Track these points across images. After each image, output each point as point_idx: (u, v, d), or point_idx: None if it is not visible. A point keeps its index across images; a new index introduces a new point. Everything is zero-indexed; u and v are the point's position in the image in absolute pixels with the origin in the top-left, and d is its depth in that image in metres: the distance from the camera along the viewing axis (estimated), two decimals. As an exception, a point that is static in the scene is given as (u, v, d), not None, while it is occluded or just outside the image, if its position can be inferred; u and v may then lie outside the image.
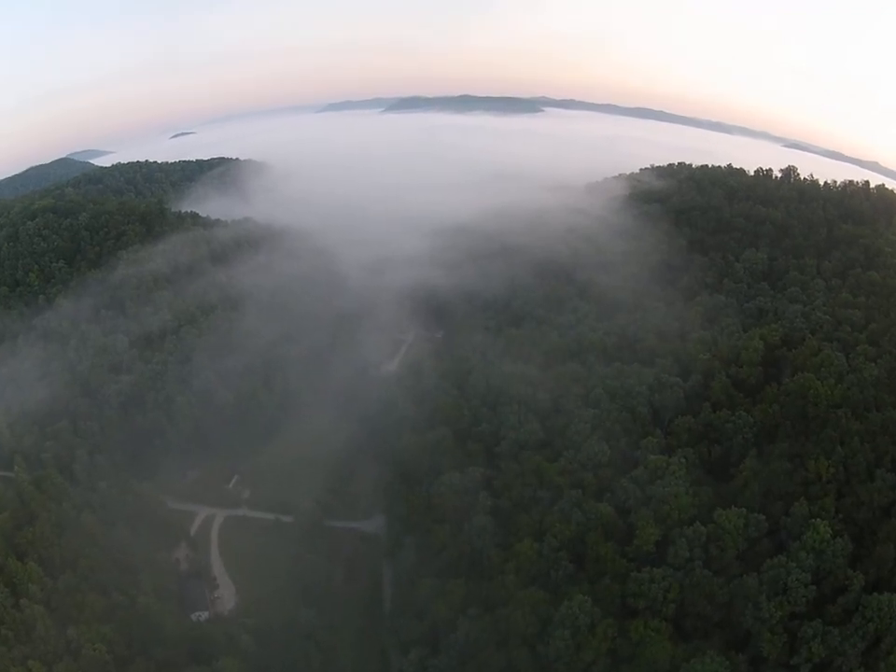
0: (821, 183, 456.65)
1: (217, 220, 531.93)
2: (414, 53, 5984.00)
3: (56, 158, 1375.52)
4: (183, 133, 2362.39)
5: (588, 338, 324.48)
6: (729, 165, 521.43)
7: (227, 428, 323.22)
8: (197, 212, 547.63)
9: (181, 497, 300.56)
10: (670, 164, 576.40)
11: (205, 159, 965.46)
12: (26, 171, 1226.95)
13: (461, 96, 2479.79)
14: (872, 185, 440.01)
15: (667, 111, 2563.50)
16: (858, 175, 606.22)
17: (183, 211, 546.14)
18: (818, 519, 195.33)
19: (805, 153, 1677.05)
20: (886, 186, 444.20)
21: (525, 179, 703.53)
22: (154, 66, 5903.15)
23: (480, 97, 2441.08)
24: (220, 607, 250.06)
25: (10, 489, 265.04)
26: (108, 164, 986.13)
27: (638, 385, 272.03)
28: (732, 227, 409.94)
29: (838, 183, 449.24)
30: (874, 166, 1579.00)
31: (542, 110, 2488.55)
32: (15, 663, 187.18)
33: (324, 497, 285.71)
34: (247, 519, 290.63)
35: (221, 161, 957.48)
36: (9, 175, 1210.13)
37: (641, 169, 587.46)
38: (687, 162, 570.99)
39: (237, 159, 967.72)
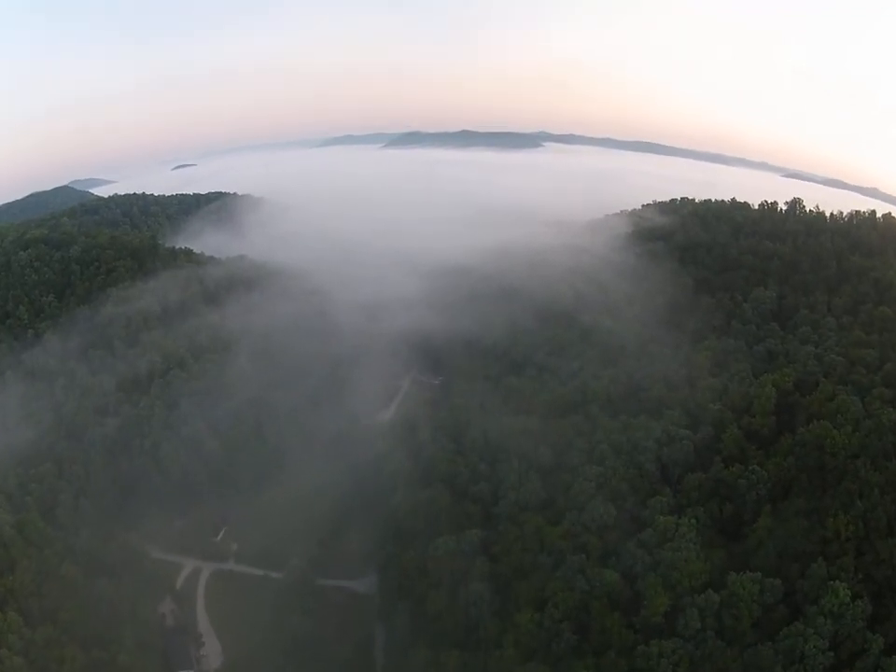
0: (827, 214, 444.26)
1: (211, 257, 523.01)
2: (416, 88, 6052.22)
3: (58, 185, 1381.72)
4: (184, 165, 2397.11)
5: (592, 387, 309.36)
6: (733, 199, 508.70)
7: (215, 478, 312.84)
8: (191, 248, 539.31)
9: (167, 547, 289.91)
10: (673, 199, 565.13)
11: (203, 193, 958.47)
12: (26, 197, 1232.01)
13: (461, 131, 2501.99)
14: (878, 214, 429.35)
15: (666, 143, 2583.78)
16: (859, 202, 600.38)
17: (177, 247, 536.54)
18: (836, 581, 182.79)
19: (806, 182, 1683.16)
20: (892, 214, 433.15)
21: (525, 216, 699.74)
22: (160, 97, 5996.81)
23: (480, 132, 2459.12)
24: (206, 665, 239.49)
25: None
26: (108, 194, 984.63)
27: (646, 439, 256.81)
28: (739, 264, 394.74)
29: (844, 214, 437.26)
30: (873, 192, 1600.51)
31: (542, 145, 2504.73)
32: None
33: (314, 553, 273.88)
34: (235, 573, 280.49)
35: (219, 195, 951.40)
36: (10, 201, 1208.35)
37: (644, 205, 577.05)
38: (689, 197, 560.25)
39: (235, 193, 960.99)
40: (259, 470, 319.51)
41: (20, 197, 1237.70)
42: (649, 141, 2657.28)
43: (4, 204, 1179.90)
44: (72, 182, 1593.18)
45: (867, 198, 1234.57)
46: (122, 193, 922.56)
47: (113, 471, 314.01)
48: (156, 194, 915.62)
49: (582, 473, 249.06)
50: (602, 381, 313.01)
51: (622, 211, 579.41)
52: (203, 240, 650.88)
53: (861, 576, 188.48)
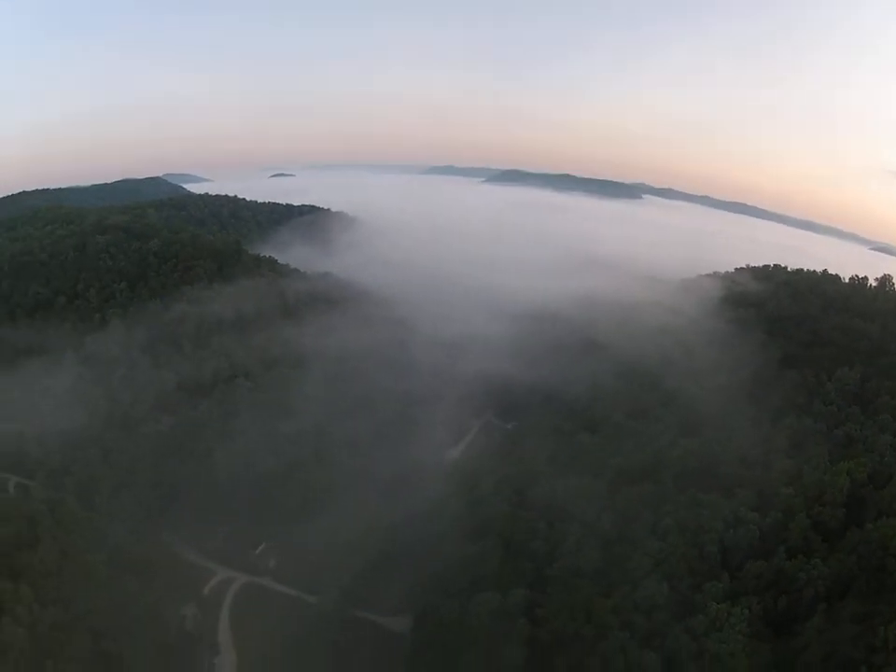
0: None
1: (295, 270, 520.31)
2: (521, 127, 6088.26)
3: (151, 175, 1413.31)
4: (282, 174, 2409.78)
5: (667, 456, 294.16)
6: (825, 271, 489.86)
7: (265, 495, 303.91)
8: (276, 258, 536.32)
9: (202, 552, 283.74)
10: (766, 266, 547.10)
11: (296, 204, 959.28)
12: (117, 182, 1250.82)
13: (562, 175, 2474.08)
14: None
15: (760, 206, 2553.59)
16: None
17: (262, 255, 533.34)
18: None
19: (892, 257, 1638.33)
20: None
21: (618, 269, 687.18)
22: (272, 107, 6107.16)
23: (580, 178, 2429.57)
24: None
25: (25, 503, 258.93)
26: (200, 192, 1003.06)
27: (712, 518, 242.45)
28: (827, 341, 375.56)
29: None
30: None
31: (641, 197, 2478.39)
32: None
33: (353, 584, 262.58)
34: (268, 590, 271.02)
35: (312, 208, 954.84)
36: (99, 183, 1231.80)
37: (737, 268, 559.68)
38: (782, 264, 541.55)
39: (329, 209, 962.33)
40: (311, 496, 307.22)
41: (110, 181, 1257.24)
42: (744, 202, 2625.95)
43: (92, 185, 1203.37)
44: (166, 174, 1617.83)
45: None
46: (214, 193, 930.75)
47: (160, 469, 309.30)
48: (248, 199, 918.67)
49: (642, 547, 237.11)
50: (678, 450, 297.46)
51: (714, 273, 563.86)
52: (290, 252, 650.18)
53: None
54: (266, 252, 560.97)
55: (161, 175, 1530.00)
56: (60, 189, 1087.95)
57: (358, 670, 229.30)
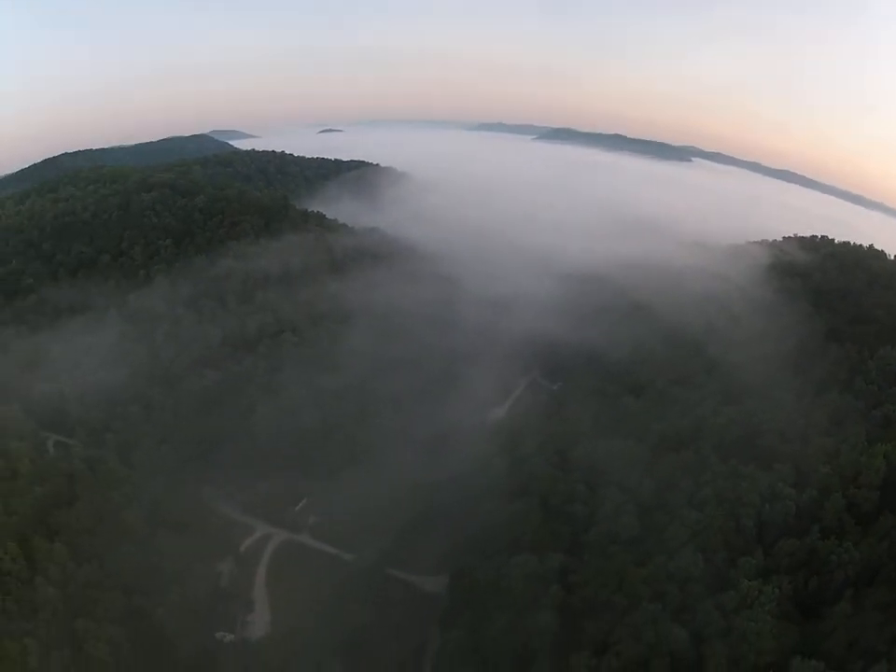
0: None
1: (343, 225, 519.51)
2: (572, 85, 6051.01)
3: (197, 132, 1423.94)
4: (330, 130, 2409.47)
5: (709, 423, 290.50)
6: (871, 246, 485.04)
7: (307, 451, 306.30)
8: (323, 213, 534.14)
9: (242, 508, 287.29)
10: (813, 236, 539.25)
11: (344, 159, 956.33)
12: (162, 140, 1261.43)
13: (613, 135, 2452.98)
14: None
15: (809, 176, 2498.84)
16: None
17: (309, 210, 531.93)
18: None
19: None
20: None
21: (666, 232, 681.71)
22: (320, 63, 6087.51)
23: (631, 138, 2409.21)
24: (249, 632, 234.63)
25: (63, 461, 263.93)
26: (246, 148, 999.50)
27: (750, 491, 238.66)
28: (871, 318, 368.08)
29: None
30: None
31: (690, 160, 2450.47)
32: (13, 636, 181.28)
33: (391, 543, 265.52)
34: (306, 547, 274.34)
35: (360, 164, 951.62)
36: (145, 141, 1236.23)
37: (784, 237, 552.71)
38: (829, 236, 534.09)
39: (377, 164, 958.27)
40: (354, 453, 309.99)
41: (155, 139, 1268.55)
42: (793, 171, 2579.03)
43: (136, 144, 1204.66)
44: (212, 132, 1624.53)
45: None
46: (261, 149, 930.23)
47: (202, 424, 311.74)
48: (296, 155, 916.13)
49: (680, 517, 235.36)
50: (720, 419, 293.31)
51: (762, 240, 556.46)
52: (338, 207, 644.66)
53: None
54: (314, 207, 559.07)
55: (207, 132, 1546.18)
56: (102, 149, 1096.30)
57: (393, 630, 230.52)
